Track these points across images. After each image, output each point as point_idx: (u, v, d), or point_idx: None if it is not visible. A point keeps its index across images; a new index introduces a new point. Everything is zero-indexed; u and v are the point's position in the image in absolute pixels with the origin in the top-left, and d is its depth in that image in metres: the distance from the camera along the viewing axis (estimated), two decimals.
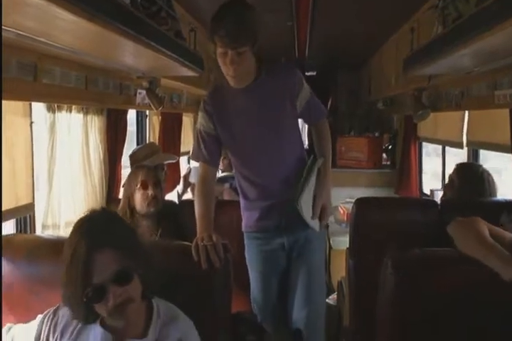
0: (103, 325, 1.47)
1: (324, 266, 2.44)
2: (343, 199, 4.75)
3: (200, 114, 2.16)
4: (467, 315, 1.52)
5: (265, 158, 2.13)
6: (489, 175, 2.60)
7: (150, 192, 2.41)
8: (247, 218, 2.25)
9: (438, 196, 3.11)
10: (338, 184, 5.48)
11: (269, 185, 2.17)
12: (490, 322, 1.50)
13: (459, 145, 3.60)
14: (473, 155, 3.41)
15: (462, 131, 3.52)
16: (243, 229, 2.27)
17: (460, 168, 3.21)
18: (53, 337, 1.51)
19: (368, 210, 2.59)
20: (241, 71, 1.98)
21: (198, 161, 2.21)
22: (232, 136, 2.13)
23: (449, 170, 2.87)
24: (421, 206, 2.60)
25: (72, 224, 2.45)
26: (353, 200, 2.70)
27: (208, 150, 2.15)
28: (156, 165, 2.81)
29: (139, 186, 2.42)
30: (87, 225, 1.41)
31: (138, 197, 2.42)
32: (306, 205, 2.12)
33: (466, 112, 3.42)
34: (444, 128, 3.99)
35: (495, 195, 2.63)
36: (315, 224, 2.17)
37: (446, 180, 2.83)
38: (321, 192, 2.19)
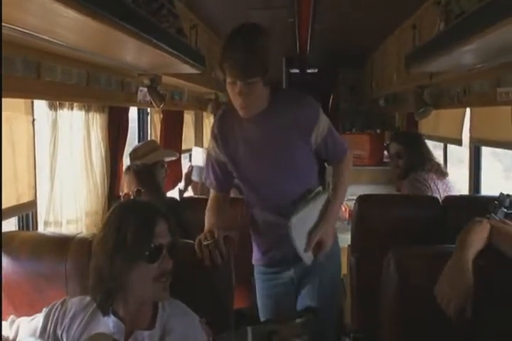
0: (115, 315, 1.51)
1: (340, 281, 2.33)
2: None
3: (210, 137, 2.08)
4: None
5: (269, 190, 2.02)
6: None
7: None
8: (256, 249, 2.17)
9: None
10: None
11: (275, 217, 2.03)
12: (493, 317, 1.50)
13: (459, 143, 3.60)
14: (475, 152, 3.40)
15: (463, 129, 3.52)
16: (253, 261, 2.19)
17: (400, 136, 3.43)
18: (60, 327, 1.53)
19: (370, 207, 2.59)
20: (250, 102, 1.88)
21: (209, 187, 2.16)
22: (236, 163, 2.03)
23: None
24: (423, 203, 2.60)
25: (74, 222, 2.48)
26: (355, 198, 2.70)
27: (216, 176, 2.08)
28: (141, 169, 2.73)
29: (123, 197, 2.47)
30: (140, 202, 1.67)
31: None
32: (299, 232, 1.95)
33: (468, 110, 3.42)
34: (445, 126, 3.99)
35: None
36: (307, 256, 1.99)
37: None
38: (322, 225, 1.99)
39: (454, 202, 2.53)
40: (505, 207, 1.71)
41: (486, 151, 3.43)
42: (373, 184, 5.39)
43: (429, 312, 1.48)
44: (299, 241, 1.95)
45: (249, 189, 2.09)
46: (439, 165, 3.16)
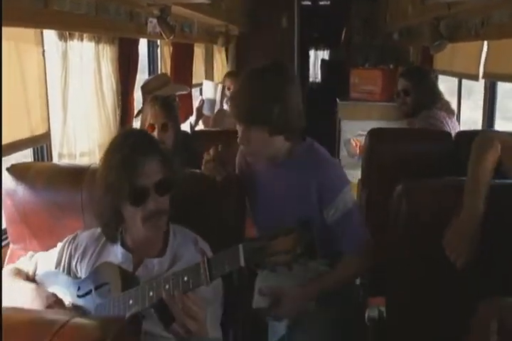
0: (123, 245, 1.55)
1: None
2: (356, 132, 4.73)
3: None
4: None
5: (270, 223, 1.75)
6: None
7: (155, 135, 2.40)
8: None
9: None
10: (351, 117, 5.44)
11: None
12: (500, 251, 1.52)
13: (475, 78, 3.53)
14: (491, 87, 3.34)
15: (479, 63, 3.43)
16: None
17: (409, 72, 3.23)
18: (74, 259, 1.59)
19: (381, 141, 2.58)
20: (252, 151, 1.72)
21: None
22: (247, 190, 1.87)
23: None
24: (436, 137, 2.59)
25: (87, 154, 2.51)
26: (365, 133, 2.68)
27: None
28: (170, 102, 2.71)
29: (146, 128, 2.43)
30: (131, 135, 1.53)
31: None
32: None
33: (485, 43, 3.32)
34: (461, 60, 3.89)
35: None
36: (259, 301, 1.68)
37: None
38: (293, 288, 1.65)
39: (467, 137, 2.49)
40: None
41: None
42: (384, 120, 5.35)
43: (437, 242, 1.49)
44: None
45: (253, 212, 1.93)
46: (448, 103, 3.12)
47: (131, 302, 1.32)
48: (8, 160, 2.00)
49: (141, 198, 1.45)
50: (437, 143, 2.53)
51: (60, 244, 1.63)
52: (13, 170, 1.80)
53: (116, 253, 1.55)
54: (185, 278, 1.24)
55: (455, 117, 3.07)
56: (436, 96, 3.05)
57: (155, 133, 2.40)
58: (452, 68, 4.08)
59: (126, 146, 1.46)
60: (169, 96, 2.75)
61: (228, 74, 4.64)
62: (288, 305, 1.60)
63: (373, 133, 2.60)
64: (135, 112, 2.96)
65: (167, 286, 1.26)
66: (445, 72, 4.03)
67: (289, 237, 1.16)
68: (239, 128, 1.69)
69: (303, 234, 1.16)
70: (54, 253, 1.63)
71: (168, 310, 1.24)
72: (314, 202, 1.70)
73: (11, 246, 1.85)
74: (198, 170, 1.84)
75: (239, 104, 1.64)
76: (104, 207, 1.50)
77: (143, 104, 2.88)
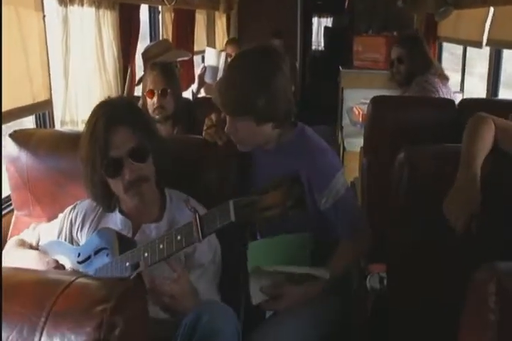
0: (122, 212, 1.57)
1: None
2: (358, 100, 4.69)
3: None
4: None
5: None
6: None
7: (154, 101, 2.40)
8: None
9: (457, 98, 3.06)
10: (354, 85, 5.40)
11: None
12: (501, 217, 1.51)
13: (480, 45, 3.48)
14: (496, 55, 3.30)
15: (484, 30, 3.38)
16: None
17: (402, 39, 3.21)
18: (74, 228, 1.61)
19: (384, 109, 2.56)
20: (240, 140, 1.66)
21: None
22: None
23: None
24: (439, 105, 2.57)
25: None
26: (368, 101, 2.66)
27: None
28: (169, 68, 2.67)
29: (146, 93, 2.41)
30: (105, 106, 1.52)
31: (147, 103, 2.42)
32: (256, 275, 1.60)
33: (491, 9, 3.27)
34: (466, 28, 3.84)
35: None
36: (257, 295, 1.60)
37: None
38: (294, 289, 1.60)
39: (470, 105, 2.48)
40: None
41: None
42: (387, 88, 5.31)
43: (437, 208, 1.49)
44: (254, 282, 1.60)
45: None
46: (441, 68, 3.08)
47: (127, 264, 1.35)
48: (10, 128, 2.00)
49: (116, 169, 1.44)
50: (440, 111, 2.50)
51: (60, 215, 1.66)
52: (16, 136, 1.80)
53: (115, 221, 1.57)
54: (179, 237, 1.26)
55: (448, 84, 3.03)
56: (429, 62, 3.02)
57: (155, 99, 2.40)
58: (457, 35, 4.04)
59: (96, 118, 1.46)
60: (170, 62, 2.72)
61: (229, 42, 4.60)
62: (288, 304, 1.59)
63: (376, 101, 2.57)
64: (137, 79, 2.94)
65: (161, 246, 1.28)
66: (449, 40, 3.98)
67: (278, 191, 1.16)
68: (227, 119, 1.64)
69: (292, 187, 1.16)
70: (55, 223, 1.65)
71: None
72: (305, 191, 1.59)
73: (15, 212, 1.87)
74: (199, 137, 1.84)
75: (224, 95, 1.58)
76: (89, 181, 1.50)
77: (144, 71, 2.86)
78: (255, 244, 1.63)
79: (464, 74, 4.03)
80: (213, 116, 1.76)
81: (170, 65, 2.60)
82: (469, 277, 0.88)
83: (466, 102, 2.56)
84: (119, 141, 1.44)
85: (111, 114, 1.46)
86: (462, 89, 4.16)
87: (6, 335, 0.68)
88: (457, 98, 2.93)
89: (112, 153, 1.43)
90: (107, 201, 1.56)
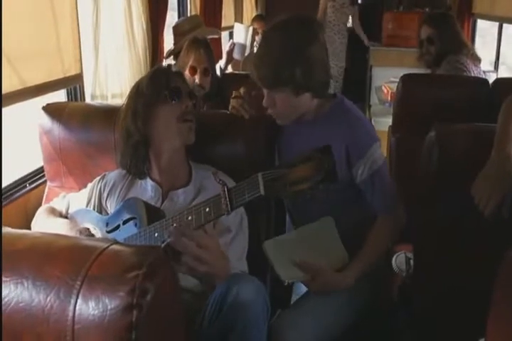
0: (152, 180, 1.61)
1: None
2: (387, 78, 4.63)
3: None
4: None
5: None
6: None
7: (196, 79, 2.40)
8: None
9: (490, 77, 2.99)
10: (383, 63, 5.32)
11: None
12: None
13: None
14: None
15: None
16: None
17: (432, 18, 3.08)
18: (103, 197, 1.65)
19: (414, 87, 2.52)
20: (280, 112, 1.65)
21: None
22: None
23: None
24: (472, 84, 2.51)
25: (119, 95, 2.53)
26: (398, 80, 2.61)
27: None
28: (210, 47, 2.64)
29: (187, 70, 2.40)
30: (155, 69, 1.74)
31: None
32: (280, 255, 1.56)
33: None
34: (503, 3, 3.72)
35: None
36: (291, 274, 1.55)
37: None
38: (333, 274, 1.58)
39: (505, 84, 2.41)
40: None
41: None
42: (418, 67, 5.21)
43: (467, 185, 1.46)
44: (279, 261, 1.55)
45: None
46: (474, 49, 2.99)
47: (156, 234, 1.36)
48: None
49: (177, 94, 1.57)
50: (473, 90, 2.45)
51: (89, 184, 1.69)
52: (49, 109, 1.83)
53: (145, 187, 1.61)
54: (207, 209, 1.26)
55: (480, 65, 2.95)
56: (461, 43, 2.93)
57: (196, 77, 2.40)
58: (493, 12, 3.92)
59: (143, 77, 1.65)
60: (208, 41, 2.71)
61: (256, 18, 4.55)
62: (321, 287, 1.57)
63: (406, 79, 2.52)
64: (165, 53, 2.94)
65: (189, 217, 1.29)
66: (485, 17, 3.87)
67: (308, 164, 1.15)
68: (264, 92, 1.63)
69: (322, 160, 1.15)
70: (84, 192, 1.69)
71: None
72: (341, 162, 1.60)
73: (48, 183, 1.91)
74: (226, 111, 1.85)
75: (260, 68, 1.57)
76: (134, 127, 1.56)
77: (174, 44, 2.86)
78: (271, 242, 1.56)
79: (499, 53, 3.93)
80: (242, 89, 1.76)
81: (209, 44, 2.59)
82: (499, 261, 0.87)
83: (501, 82, 2.50)
84: (177, 82, 1.62)
85: (159, 73, 1.63)
86: (496, 68, 4.07)
87: (44, 296, 0.70)
88: (491, 77, 2.87)
89: (172, 82, 1.59)
90: (140, 167, 1.60)
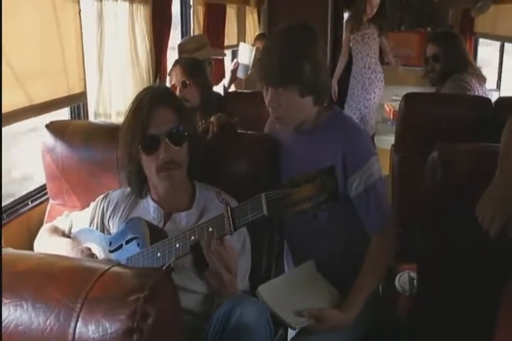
0: (153, 200, 1.59)
1: None
2: (390, 97, 4.65)
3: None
4: None
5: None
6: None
7: (177, 93, 2.42)
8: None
9: (492, 96, 2.99)
10: (385, 82, 5.33)
11: None
12: None
13: None
14: None
15: None
16: None
17: (438, 36, 3.08)
18: (106, 217, 1.63)
19: (416, 106, 2.51)
20: (283, 114, 1.63)
21: None
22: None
23: None
24: (474, 103, 2.50)
25: (123, 113, 2.54)
26: (400, 98, 2.61)
27: None
28: (190, 62, 2.68)
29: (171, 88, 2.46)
30: (150, 89, 1.64)
31: None
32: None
33: None
34: (505, 23, 3.75)
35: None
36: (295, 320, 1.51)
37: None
38: (336, 314, 1.55)
39: (508, 103, 2.40)
40: None
41: None
42: (420, 86, 5.24)
43: (470, 208, 1.45)
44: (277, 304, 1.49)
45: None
46: (479, 68, 3.00)
47: (159, 254, 1.36)
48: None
49: (152, 146, 1.47)
50: (475, 109, 2.44)
51: (92, 203, 1.68)
52: (52, 127, 1.84)
53: (147, 208, 1.59)
54: (210, 229, 1.26)
55: (485, 85, 2.96)
56: (466, 62, 2.94)
57: (177, 92, 2.43)
58: (495, 31, 3.95)
59: (141, 98, 1.51)
60: (194, 58, 2.73)
61: (259, 37, 4.58)
62: (331, 328, 1.54)
63: (409, 98, 2.52)
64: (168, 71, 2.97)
65: (192, 237, 1.29)
66: (487, 36, 3.90)
67: (311, 184, 1.15)
68: (266, 91, 1.61)
69: (326, 181, 1.15)
70: (87, 211, 1.68)
71: (203, 256, 1.27)
72: (337, 171, 1.51)
73: (50, 201, 1.91)
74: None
75: (267, 65, 1.58)
76: (125, 158, 1.55)
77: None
78: (265, 288, 1.53)
79: (501, 71, 3.94)
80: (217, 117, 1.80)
81: (191, 60, 2.62)
82: (504, 282, 0.86)
83: (503, 101, 2.49)
84: (159, 120, 1.48)
85: (155, 94, 1.53)
86: (499, 87, 4.08)
87: (44, 319, 0.69)
88: (493, 96, 2.87)
89: (151, 131, 1.47)
90: (139, 186, 1.59)
